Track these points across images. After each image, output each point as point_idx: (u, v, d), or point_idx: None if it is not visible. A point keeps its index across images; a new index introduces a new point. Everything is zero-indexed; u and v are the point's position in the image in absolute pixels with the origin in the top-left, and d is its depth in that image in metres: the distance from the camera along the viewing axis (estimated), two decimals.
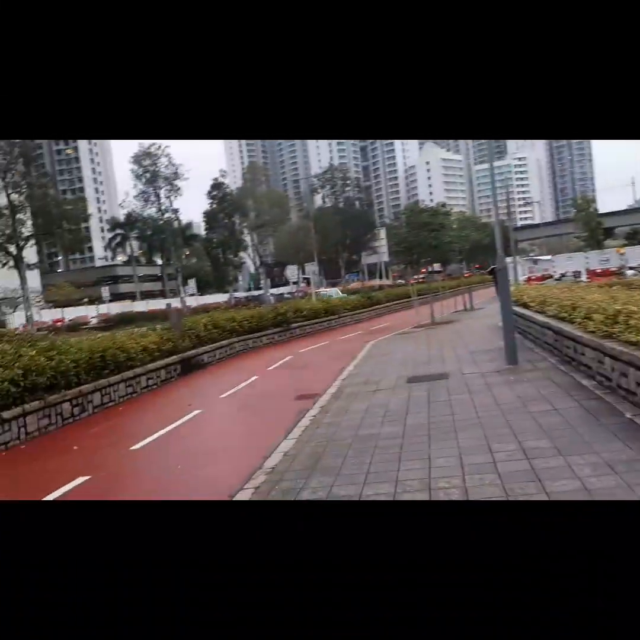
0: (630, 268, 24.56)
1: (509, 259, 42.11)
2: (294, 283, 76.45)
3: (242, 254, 58.31)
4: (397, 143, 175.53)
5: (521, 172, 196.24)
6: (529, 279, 30.16)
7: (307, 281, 68.40)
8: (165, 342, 12.47)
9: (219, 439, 7.72)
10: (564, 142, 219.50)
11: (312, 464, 5.28)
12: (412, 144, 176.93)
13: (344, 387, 9.12)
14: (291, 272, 64.07)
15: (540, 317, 10.42)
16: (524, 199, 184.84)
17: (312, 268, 26.39)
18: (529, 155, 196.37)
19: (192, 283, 55.21)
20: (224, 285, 56.63)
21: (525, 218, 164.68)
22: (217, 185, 56.98)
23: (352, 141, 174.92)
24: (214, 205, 54.82)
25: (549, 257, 31.78)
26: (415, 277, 49.21)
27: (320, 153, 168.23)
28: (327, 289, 37.14)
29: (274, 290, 62.86)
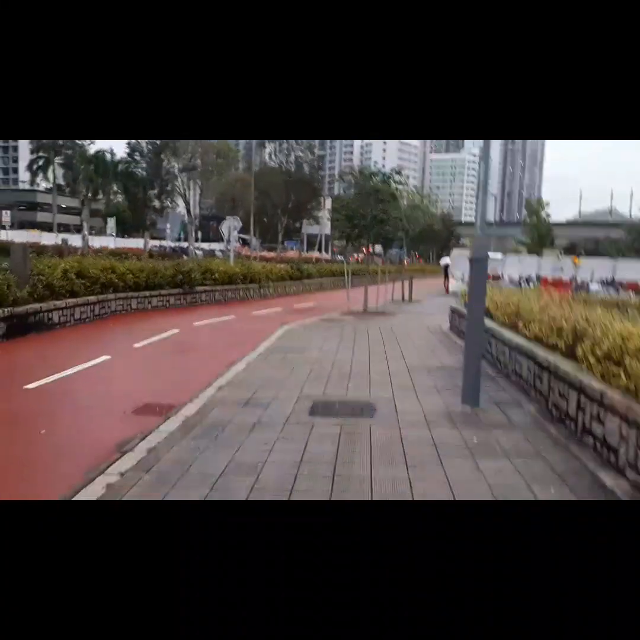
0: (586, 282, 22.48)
1: (456, 251, 39.89)
2: (227, 241, 72.12)
3: (172, 199, 53.06)
4: None
5: (473, 169, 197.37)
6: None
7: (243, 241, 64.16)
8: None
9: None
10: (519, 145, 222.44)
11: None
12: None
13: (212, 404, 5.78)
14: (226, 227, 59.65)
15: (511, 336, 7.44)
16: (472, 195, 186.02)
17: (232, 223, 22.40)
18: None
19: (111, 222, 49.84)
20: (140, 229, 51.14)
21: (470, 214, 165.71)
22: None
23: None
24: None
25: (499, 255, 29.28)
26: (355, 255, 46.26)
27: None
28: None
29: (205, 245, 58.19)
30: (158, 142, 42.36)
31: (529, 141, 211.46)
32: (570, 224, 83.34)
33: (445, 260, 30.83)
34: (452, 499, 3.71)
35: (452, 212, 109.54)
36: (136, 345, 9.77)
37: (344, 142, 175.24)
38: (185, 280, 15.95)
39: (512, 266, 27.63)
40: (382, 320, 14.70)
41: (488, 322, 8.78)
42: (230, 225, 22.61)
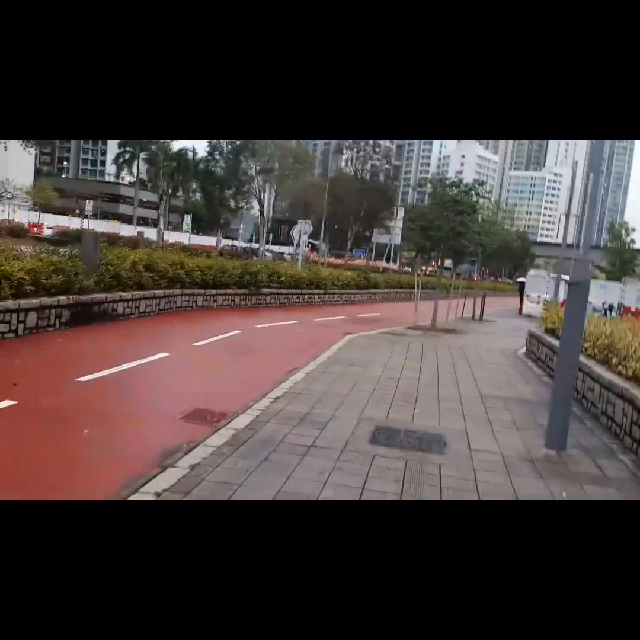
0: None
1: (533, 272, 38.03)
2: (296, 245, 72.44)
3: (248, 200, 53.56)
4: None
5: (553, 188, 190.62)
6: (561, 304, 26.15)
7: (312, 246, 64.09)
8: (49, 273, 8.57)
9: None
10: (603, 166, 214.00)
11: None
12: None
13: (266, 417, 5.33)
14: (297, 231, 59.71)
15: (603, 372, 6.61)
16: (550, 214, 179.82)
17: (303, 227, 21.96)
18: (565, 172, 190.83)
19: (188, 219, 50.91)
20: (214, 228, 51.68)
21: (546, 235, 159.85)
22: None
23: None
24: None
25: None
26: (424, 268, 45.08)
27: None
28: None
29: (276, 248, 58.38)
30: (238, 142, 42.73)
31: (614, 163, 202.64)
32: None
33: (521, 280, 29.40)
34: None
35: (528, 230, 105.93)
36: (196, 343, 9.50)
37: (422, 152, 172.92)
38: (251, 281, 15.71)
39: (592, 292, 25.94)
40: (452, 338, 13.92)
41: None
42: (300, 229, 22.32)
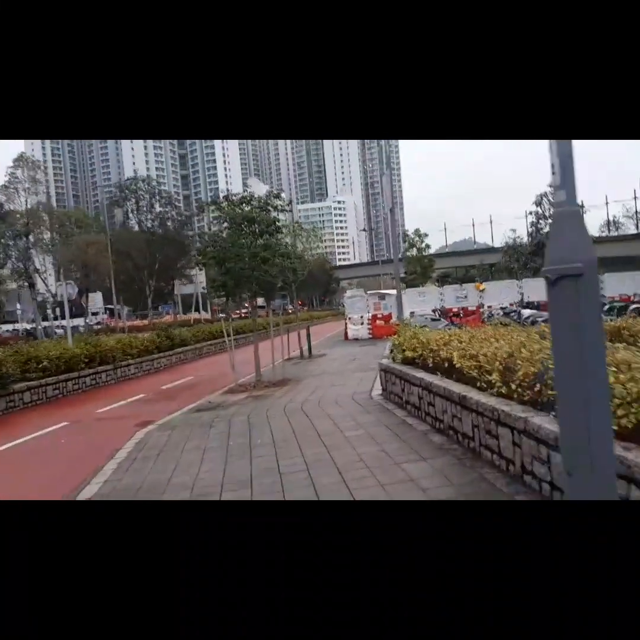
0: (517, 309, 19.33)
1: (350, 292, 36.84)
2: (94, 314, 64.74)
3: (27, 277, 45.85)
4: (219, 159, 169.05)
5: (340, 214, 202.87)
6: (374, 318, 24.42)
7: (110, 312, 57.45)
8: None
9: None
10: (377, 188, 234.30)
11: None
12: (234, 162, 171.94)
13: None
14: (91, 300, 52.70)
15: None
16: (342, 239, 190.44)
17: (65, 289, 17.08)
18: (347, 199, 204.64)
19: None
20: None
21: (343, 259, 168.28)
22: None
23: (170, 147, 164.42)
24: None
25: (393, 291, 26.41)
26: (238, 311, 41.73)
27: (136, 157, 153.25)
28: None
29: (74, 321, 50.57)
30: None
31: (381, 182, 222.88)
32: (438, 255, 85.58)
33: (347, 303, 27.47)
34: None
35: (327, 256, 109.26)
36: None
37: (209, 179, 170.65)
38: None
39: (413, 300, 24.85)
40: (285, 394, 10.62)
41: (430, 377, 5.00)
42: (62, 293, 17.54)
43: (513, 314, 17.53)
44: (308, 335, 18.38)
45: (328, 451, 5.85)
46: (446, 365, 6.08)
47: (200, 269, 33.51)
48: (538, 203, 49.48)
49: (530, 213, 50.52)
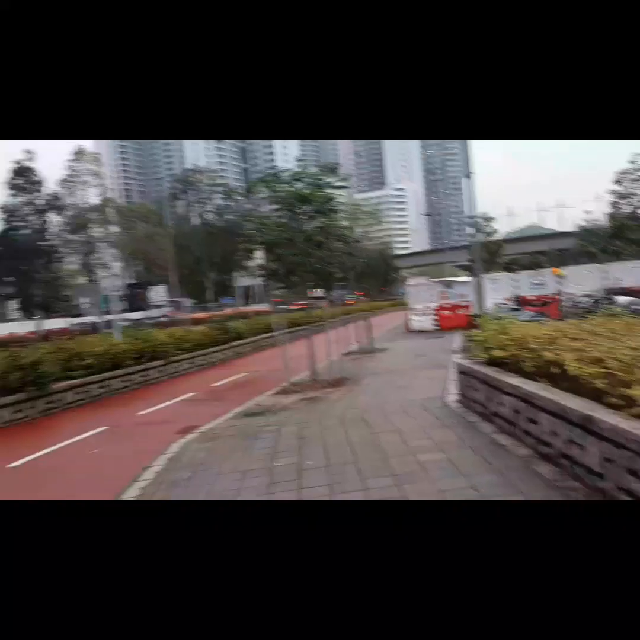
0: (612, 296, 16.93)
1: (413, 281, 35.04)
2: (157, 306, 65.42)
3: (91, 270, 46.51)
4: (278, 151, 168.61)
5: (399, 203, 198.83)
6: (440, 308, 22.68)
7: (176, 304, 57.82)
8: None
9: None
10: (438, 174, 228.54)
11: None
12: (293, 147, 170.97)
13: None
14: (155, 293, 52.94)
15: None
16: (401, 228, 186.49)
17: (109, 281, 16.47)
18: (407, 187, 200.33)
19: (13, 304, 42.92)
20: (29, 307, 43.46)
21: (403, 247, 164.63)
22: (22, 170, 43.25)
23: (230, 140, 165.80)
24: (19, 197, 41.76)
25: (466, 278, 24.51)
26: (299, 303, 40.81)
27: (198, 152, 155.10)
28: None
29: (136, 314, 51.24)
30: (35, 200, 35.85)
31: (448, 168, 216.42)
32: (504, 241, 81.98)
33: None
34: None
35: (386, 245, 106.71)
36: None
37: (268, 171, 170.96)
38: (28, 380, 10.14)
39: (489, 289, 22.90)
40: (343, 397, 9.31)
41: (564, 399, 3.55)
42: (107, 286, 16.86)
43: (602, 301, 15.46)
44: (368, 328, 16.97)
45: (397, 485, 4.49)
46: (554, 370, 4.60)
47: (250, 257, 32.76)
48: (619, 182, 45.73)
49: (611, 192, 46.78)
